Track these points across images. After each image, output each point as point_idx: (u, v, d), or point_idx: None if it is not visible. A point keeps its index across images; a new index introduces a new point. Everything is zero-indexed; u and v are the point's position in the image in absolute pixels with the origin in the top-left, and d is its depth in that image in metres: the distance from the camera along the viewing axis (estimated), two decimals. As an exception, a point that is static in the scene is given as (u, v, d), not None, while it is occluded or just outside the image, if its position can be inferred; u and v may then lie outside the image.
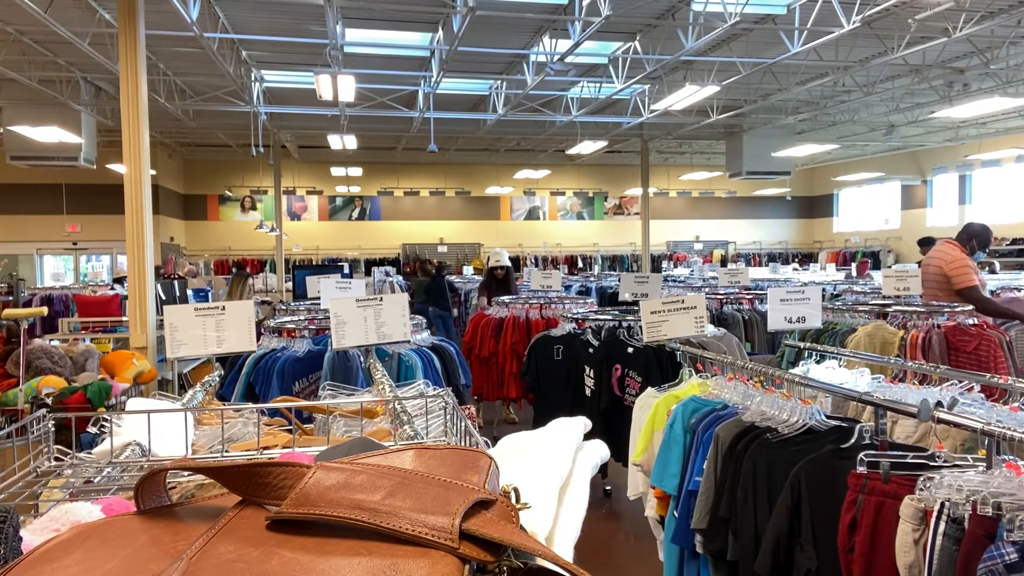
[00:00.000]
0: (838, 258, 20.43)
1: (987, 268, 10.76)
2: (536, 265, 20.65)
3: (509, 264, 8.40)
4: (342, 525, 0.59)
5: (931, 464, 1.77)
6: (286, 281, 17.27)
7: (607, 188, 23.06)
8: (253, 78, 11.63)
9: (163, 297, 7.25)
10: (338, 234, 21.50)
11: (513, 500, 0.69)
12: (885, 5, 7.49)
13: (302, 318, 4.70)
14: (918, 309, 4.47)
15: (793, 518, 1.98)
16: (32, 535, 0.93)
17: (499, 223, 22.48)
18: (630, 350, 4.26)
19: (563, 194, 22.91)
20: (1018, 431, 1.58)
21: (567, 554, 0.86)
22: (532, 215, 22.83)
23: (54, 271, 18.84)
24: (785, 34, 8.92)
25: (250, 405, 1.78)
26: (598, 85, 12.14)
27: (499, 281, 8.19)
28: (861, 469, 1.81)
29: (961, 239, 5.42)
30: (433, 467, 0.67)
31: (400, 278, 14.44)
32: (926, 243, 11.58)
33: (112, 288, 10.85)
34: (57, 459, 1.41)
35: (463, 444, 1.44)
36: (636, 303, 5.22)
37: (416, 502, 0.60)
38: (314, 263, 19.74)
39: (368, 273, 17.29)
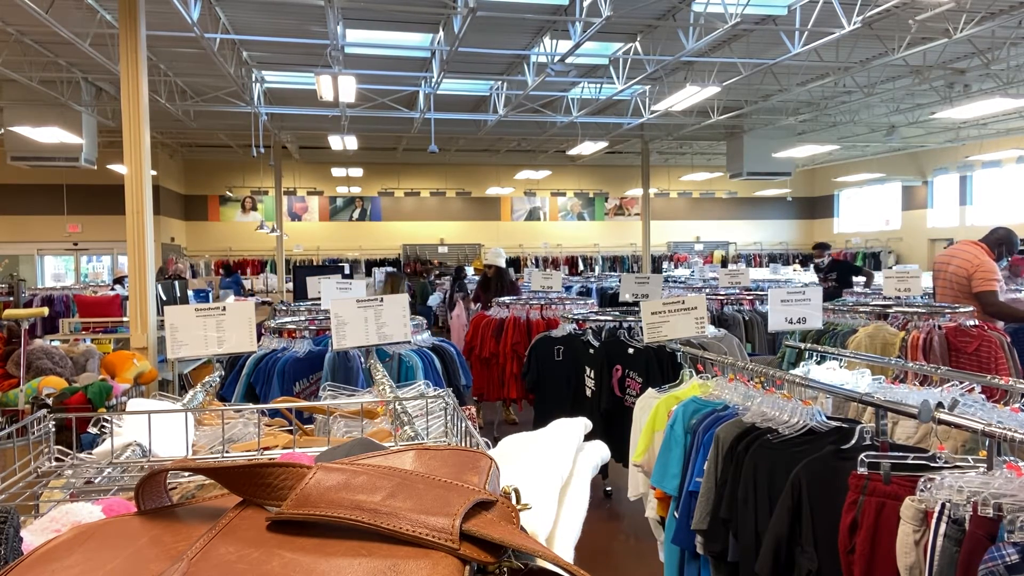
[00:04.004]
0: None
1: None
2: (537, 266, 20.65)
3: (501, 264, 7.99)
4: (342, 526, 0.59)
5: (932, 465, 1.76)
6: (287, 282, 17.29)
7: (608, 189, 23.06)
8: (254, 79, 11.64)
9: (164, 298, 7.25)
10: (339, 235, 21.50)
11: (513, 501, 0.69)
12: (886, 6, 7.49)
13: (303, 319, 4.70)
14: (919, 310, 4.48)
15: (794, 519, 1.98)
16: (33, 535, 0.93)
17: (500, 224, 22.48)
18: (631, 351, 4.25)
19: (564, 195, 22.91)
20: (1019, 432, 1.58)
21: (567, 555, 0.86)
22: (533, 216, 22.82)
23: (55, 271, 18.83)
24: (786, 35, 8.91)
25: (251, 406, 1.78)
26: (599, 86, 12.14)
27: (484, 280, 8.05)
28: (862, 470, 1.81)
29: (990, 243, 5.00)
30: (433, 468, 0.67)
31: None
32: (821, 247, 11.89)
33: (113, 288, 10.86)
34: (58, 459, 1.41)
35: (463, 445, 1.44)
36: (637, 304, 5.21)
37: (416, 503, 0.60)
38: (315, 264, 19.74)
39: (369, 274, 17.34)
